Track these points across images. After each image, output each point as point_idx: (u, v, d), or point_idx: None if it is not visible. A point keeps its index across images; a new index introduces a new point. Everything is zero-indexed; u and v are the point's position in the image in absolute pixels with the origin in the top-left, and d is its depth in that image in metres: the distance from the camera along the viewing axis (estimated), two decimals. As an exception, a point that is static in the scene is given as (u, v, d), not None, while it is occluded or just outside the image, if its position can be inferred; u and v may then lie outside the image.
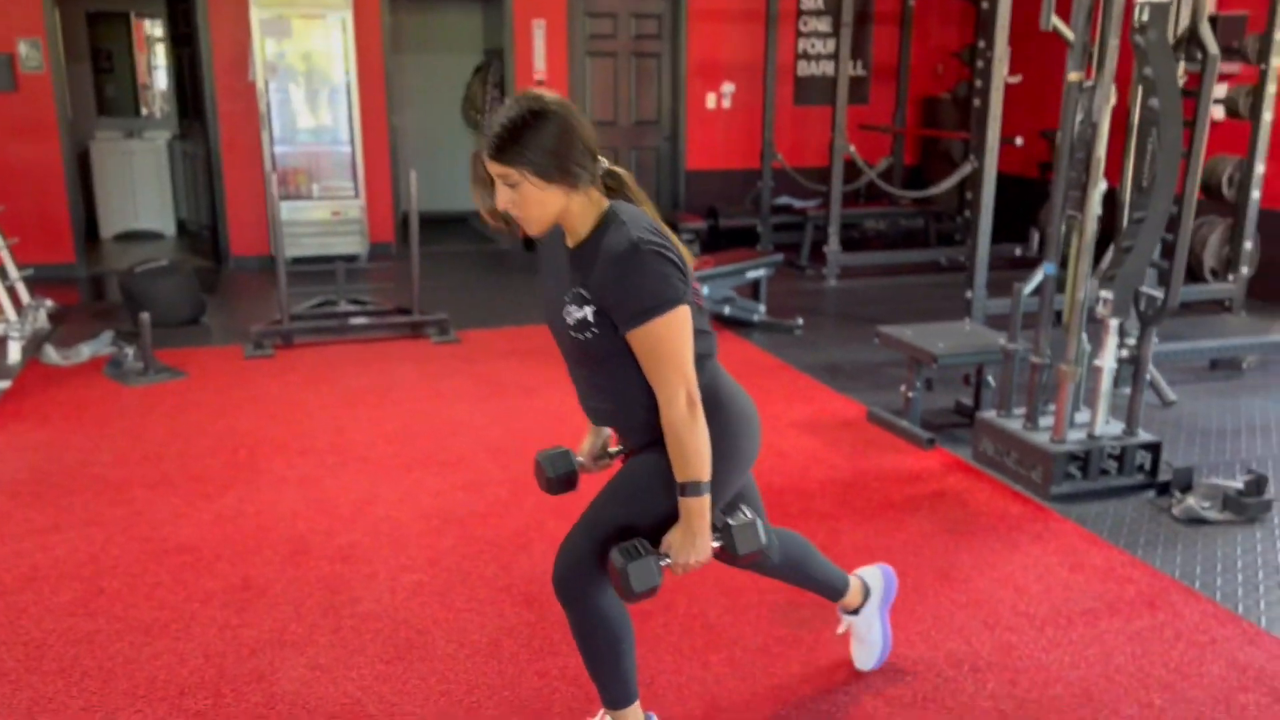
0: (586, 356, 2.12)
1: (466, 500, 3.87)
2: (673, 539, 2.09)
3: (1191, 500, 3.73)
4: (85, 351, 5.64)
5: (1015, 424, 4.11)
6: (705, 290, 6.11)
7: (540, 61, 9.09)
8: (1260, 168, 6.00)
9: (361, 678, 2.75)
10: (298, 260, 7.86)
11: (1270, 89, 5.86)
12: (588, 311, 2.04)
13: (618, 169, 2.11)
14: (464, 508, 3.81)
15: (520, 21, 8.95)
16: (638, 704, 2.37)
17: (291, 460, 4.26)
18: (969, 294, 6.03)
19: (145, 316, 5.29)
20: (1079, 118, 3.79)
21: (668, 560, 2.09)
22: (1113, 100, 3.79)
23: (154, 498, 3.88)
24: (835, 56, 9.36)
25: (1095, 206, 3.77)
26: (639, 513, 2.16)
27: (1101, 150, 3.71)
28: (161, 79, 10.54)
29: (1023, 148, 8.26)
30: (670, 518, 2.12)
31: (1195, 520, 3.69)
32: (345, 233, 8.10)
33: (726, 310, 6.26)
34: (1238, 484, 3.77)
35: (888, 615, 2.79)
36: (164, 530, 3.61)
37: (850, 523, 3.69)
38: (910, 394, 4.53)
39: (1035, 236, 8.12)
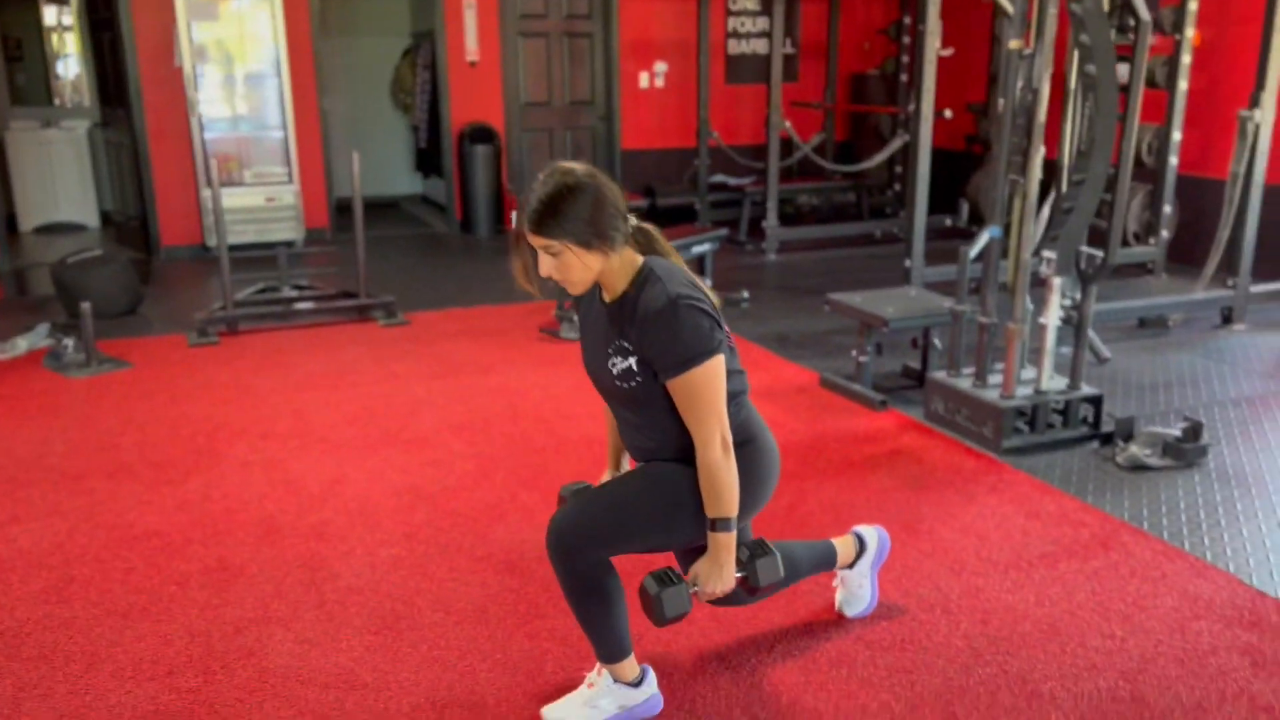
0: (631, 401, 2.28)
1: (435, 476, 3.89)
2: (701, 569, 2.27)
3: (1134, 448, 3.92)
4: (22, 345, 5.50)
5: (965, 383, 4.26)
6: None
7: (472, 42, 9.05)
8: (1177, 135, 6.26)
9: (351, 649, 2.77)
10: (234, 248, 7.70)
11: (1185, 59, 6.11)
12: (631, 362, 2.20)
13: (646, 225, 2.28)
14: (433, 484, 3.83)
15: (451, 2, 8.89)
16: (633, 657, 2.44)
17: (253, 444, 4.23)
18: (907, 263, 6.19)
19: (86, 306, 5.17)
20: (1020, 84, 3.92)
21: (696, 588, 2.26)
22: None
23: (114, 486, 3.83)
24: (766, 35, 9.53)
25: (1037, 171, 3.91)
26: (671, 533, 2.33)
27: (1042, 116, 3.85)
28: (74, 66, 10.24)
29: (948, 121, 8.45)
30: (689, 529, 2.29)
31: (1138, 467, 3.88)
32: (280, 219, 7.98)
33: (673, 285, 6.33)
34: (1176, 432, 3.96)
35: (877, 574, 2.91)
36: (129, 517, 3.57)
37: (815, 482, 3.80)
38: (862, 358, 4.66)
39: (965, 207, 8.34)
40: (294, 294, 6.19)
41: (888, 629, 2.83)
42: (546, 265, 2.18)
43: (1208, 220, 6.92)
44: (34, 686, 2.61)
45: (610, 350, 2.24)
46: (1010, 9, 4.32)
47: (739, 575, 2.31)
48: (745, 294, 6.48)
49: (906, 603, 2.97)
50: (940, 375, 4.38)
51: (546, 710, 2.44)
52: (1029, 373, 4.26)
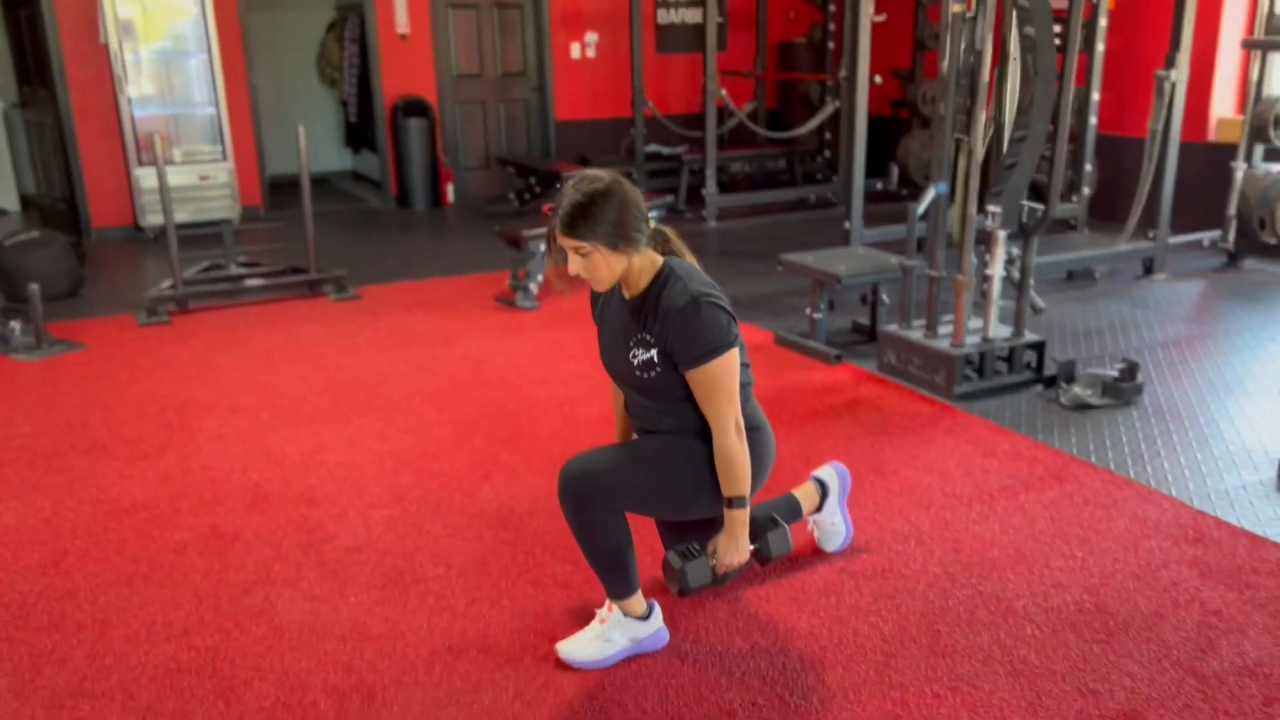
0: (650, 390, 2.45)
1: (413, 442, 3.97)
2: (719, 544, 2.48)
3: (1077, 389, 4.17)
4: (-35, 330, 5.39)
5: (917, 334, 4.47)
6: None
7: (402, 15, 9.00)
8: (1095, 95, 6.56)
9: (360, 603, 2.86)
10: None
11: (1102, 22, 6.39)
12: (653, 354, 2.37)
13: (664, 228, 2.46)
14: (413, 449, 3.91)
15: (379, -26, 8.82)
16: (639, 593, 2.58)
17: (224, 418, 4.25)
18: (847, 224, 6.40)
19: (35, 288, 5.10)
20: (962, 46, 4.11)
21: (714, 560, 2.46)
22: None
23: (91, 463, 3.83)
24: (694, 4, 9.65)
25: (981, 130, 4.11)
26: (678, 505, 2.52)
27: (985, 76, 4.05)
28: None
29: (876, 87, 8.68)
30: (706, 512, 2.51)
31: (1081, 406, 4.14)
32: (215, 197, 7.87)
33: (623, 252, 6.45)
34: (1113, 373, 4.23)
35: (846, 506, 3.09)
36: (113, 492, 3.59)
37: (783, 433, 3.96)
38: (815, 315, 4.85)
39: (894, 170, 8.61)
40: (243, 271, 6.15)
41: (868, 561, 3.02)
42: (575, 265, 2.34)
43: (1123, 177, 7.28)
44: (50, 653, 2.65)
45: (631, 343, 2.42)
46: (949, -25, 4.51)
47: (752, 548, 2.50)
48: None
49: (883, 536, 3.16)
50: (892, 328, 4.58)
51: (561, 646, 2.57)
52: (975, 323, 4.49)
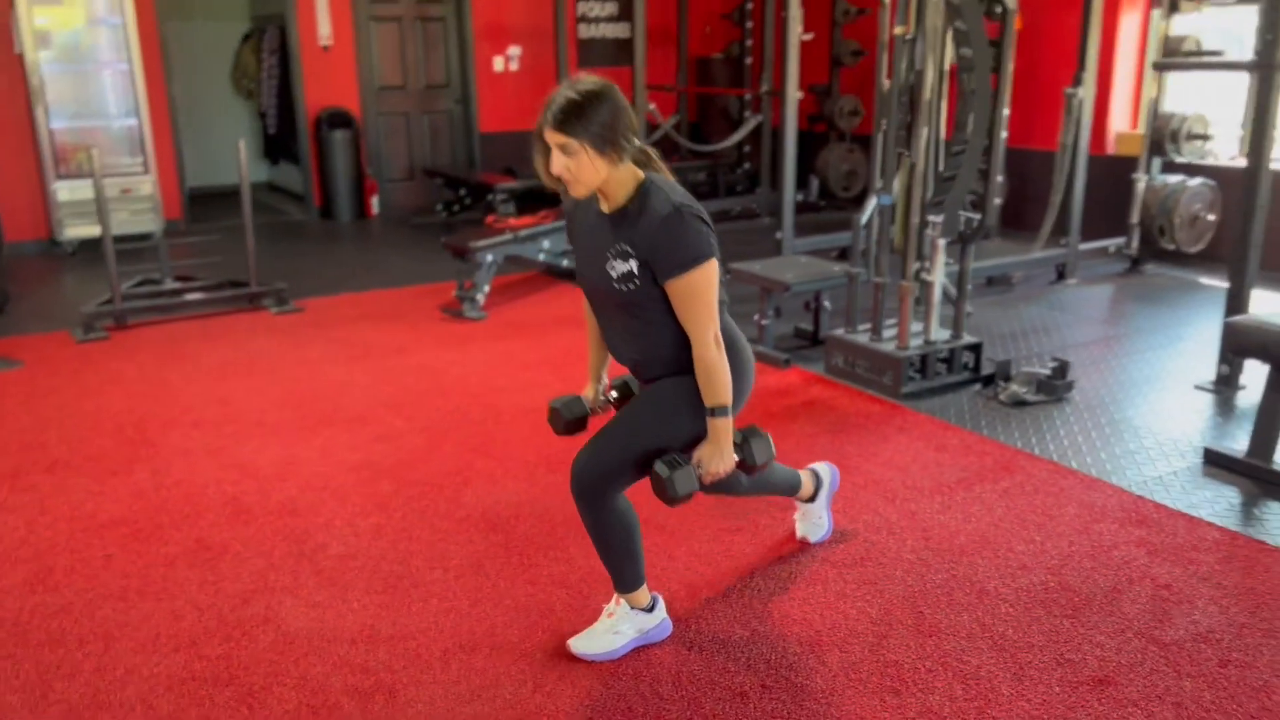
0: (626, 304, 2.44)
1: (387, 451, 4.02)
2: (703, 453, 2.49)
3: (1014, 387, 4.45)
4: (-108, 348, 5.21)
5: (863, 338, 4.70)
6: (546, 244, 6.39)
7: (325, 27, 8.96)
8: (1005, 111, 6.93)
9: (364, 608, 2.92)
10: (90, 241, 7.46)
11: (1011, 42, 6.77)
12: (632, 265, 2.37)
13: (647, 147, 2.46)
14: (388, 458, 3.96)
15: (301, -14, 8.76)
16: (645, 585, 2.71)
17: (187, 433, 4.23)
18: (779, 235, 6.63)
19: (-29, 304, 4.96)
20: (904, 66, 4.36)
21: (701, 470, 2.49)
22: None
23: (58, 480, 3.78)
24: (615, 19, 9.85)
25: (923, 145, 4.36)
26: (670, 435, 2.53)
27: (927, 94, 4.30)
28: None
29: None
30: (693, 437, 2.52)
31: (1019, 403, 4.41)
32: (138, 210, 7.72)
33: (565, 262, 6.57)
34: (1046, 371, 4.52)
35: (831, 503, 3.27)
36: (86, 508, 3.55)
37: (746, 433, 4.14)
38: (764, 321, 5.04)
39: (814, 183, 8.92)
40: (180, 286, 6.06)
41: (846, 550, 3.21)
42: (559, 163, 2.31)
43: (1030, 187, 7.70)
44: (56, 667, 2.65)
45: (610, 254, 2.39)
46: (886, -2, 4.77)
47: (737, 458, 2.54)
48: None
49: (856, 527, 3.35)
50: (839, 332, 4.81)
51: (573, 642, 2.68)
52: (915, 326, 4.74)
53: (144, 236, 7.76)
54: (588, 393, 2.84)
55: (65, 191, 7.58)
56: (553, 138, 2.30)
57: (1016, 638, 2.73)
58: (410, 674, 2.61)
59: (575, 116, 2.27)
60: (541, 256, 6.43)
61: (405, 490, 3.67)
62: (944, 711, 2.44)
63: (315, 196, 9.32)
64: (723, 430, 2.46)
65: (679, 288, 2.36)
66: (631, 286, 2.40)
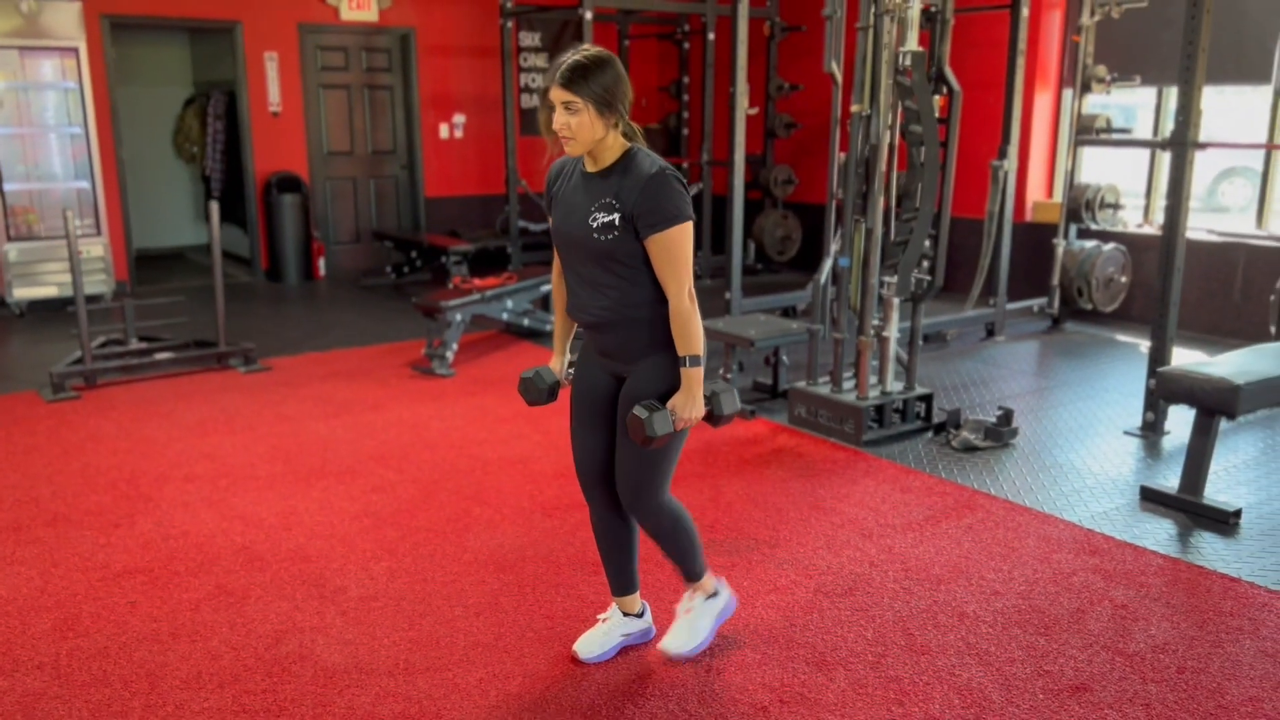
0: (601, 255, 2.58)
1: (384, 501, 4.18)
2: (677, 401, 2.63)
3: (965, 433, 4.82)
4: None
5: (824, 389, 5.03)
6: (510, 304, 6.63)
7: (275, 94, 9.13)
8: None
9: (395, 644, 3.08)
10: (40, 302, 7.45)
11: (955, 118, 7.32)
12: (615, 217, 2.54)
13: (635, 125, 2.66)
14: (386, 508, 4.12)
15: (252, 54, 8.95)
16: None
17: (181, 487, 4.32)
18: (728, 295, 6.98)
19: (-54, 364, 4.98)
20: (860, 140, 4.76)
21: (674, 416, 2.63)
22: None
23: (61, 534, 3.85)
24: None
25: (879, 212, 4.75)
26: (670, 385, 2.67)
27: (883, 165, 4.70)
28: None
29: (720, 169, 9.43)
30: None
31: (970, 448, 4.78)
32: (90, 271, 7.74)
33: (526, 322, 6.81)
34: (992, 419, 4.91)
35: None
36: (98, 559, 3.64)
37: (725, 478, 4.42)
38: (728, 375, 5.34)
39: (751, 247, 9.35)
40: (147, 345, 6.13)
41: (835, 581, 3.48)
42: (561, 119, 2.50)
43: (958, 252, 8.21)
44: (107, 706, 2.76)
45: (594, 208, 2.56)
46: (839, 78, 5.20)
47: (706, 408, 2.71)
48: (587, 328, 7.06)
49: (841, 562, 3.63)
50: (801, 384, 5.13)
51: (663, 644, 2.98)
52: (871, 378, 5.10)
53: (96, 298, 7.77)
54: (554, 364, 2.99)
55: (15, 253, 7.58)
56: (559, 94, 2.49)
57: (999, 653, 3.03)
58: (452, 701, 2.78)
59: (581, 76, 2.47)
60: (505, 316, 6.66)
61: (410, 536, 3.84)
62: (946, 719, 2.71)
63: (262, 259, 9.41)
64: (695, 378, 2.62)
65: (659, 242, 2.54)
66: (610, 237, 2.55)
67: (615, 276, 2.61)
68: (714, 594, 3.03)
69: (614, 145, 2.59)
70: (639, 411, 2.60)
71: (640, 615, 3.06)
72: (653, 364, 2.67)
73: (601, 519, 2.93)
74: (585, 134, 2.52)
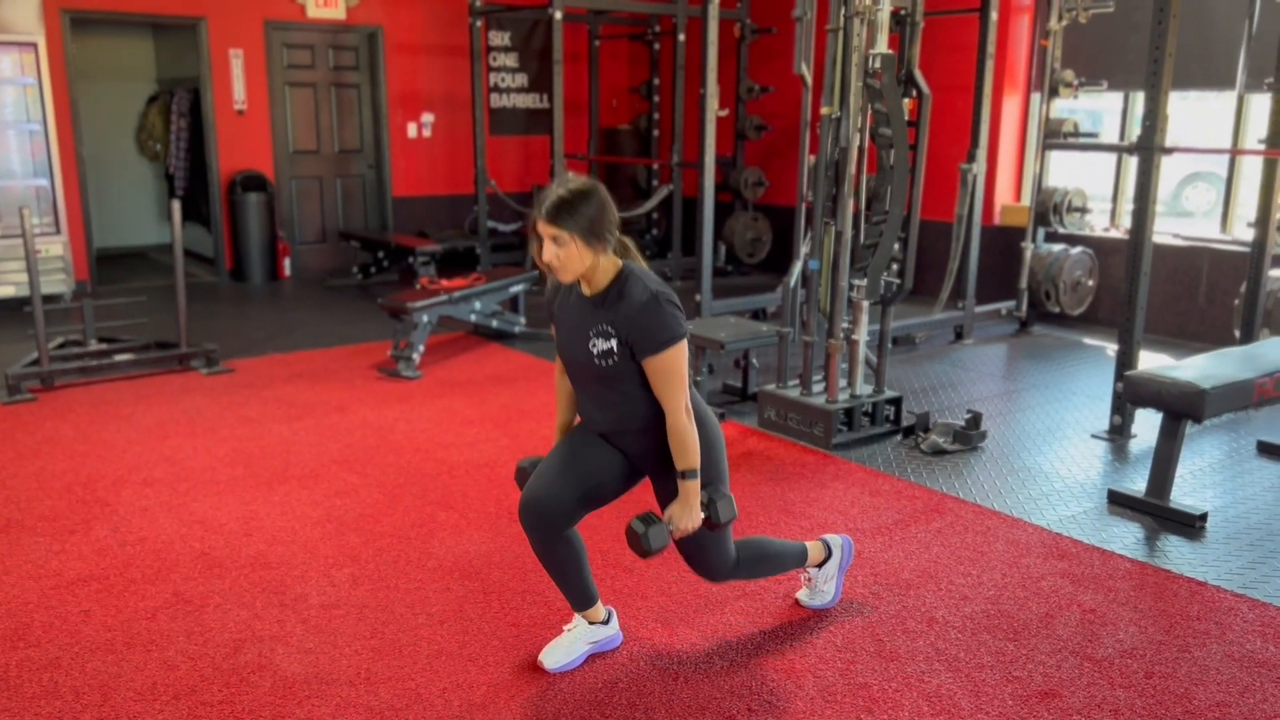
0: (604, 378, 2.70)
1: (347, 506, 4.11)
2: (674, 511, 2.73)
3: (934, 437, 4.81)
4: None
5: (793, 393, 5.01)
6: (478, 305, 6.57)
7: (240, 91, 9.01)
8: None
9: (357, 653, 3.02)
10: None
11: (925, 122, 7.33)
12: (612, 344, 2.64)
13: (624, 238, 2.72)
14: (350, 513, 4.05)
15: (217, 51, 8.83)
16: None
17: (139, 491, 4.23)
18: (698, 297, 6.95)
19: (-104, 365, 4.85)
20: (830, 143, 4.74)
21: (671, 526, 2.73)
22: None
23: (13, 540, 3.75)
24: (524, 90, 10.21)
25: (848, 214, 4.74)
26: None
27: (852, 168, 4.68)
28: None
29: (691, 171, 9.41)
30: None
31: (939, 451, 4.77)
32: (48, 271, 7.59)
33: (494, 323, 6.74)
34: (961, 423, 4.91)
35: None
36: (51, 566, 3.55)
37: (694, 482, 4.38)
38: (698, 378, 5.31)
39: (722, 249, 9.33)
40: (107, 347, 6.01)
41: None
42: (549, 251, 2.57)
43: (927, 255, 8.23)
44: (57, 718, 2.67)
45: (592, 334, 2.65)
46: (809, 80, 5.19)
47: (704, 515, 2.77)
48: (556, 330, 7.01)
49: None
50: (770, 387, 5.11)
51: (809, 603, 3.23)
52: (840, 381, 5.08)
53: (55, 298, 7.63)
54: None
55: (-30, 252, 7.42)
56: (545, 229, 2.57)
57: (968, 659, 3.01)
58: (415, 711, 2.73)
59: (566, 211, 2.54)
60: (473, 317, 6.59)
61: (374, 542, 3.77)
62: (915, 725, 2.69)
63: (227, 258, 9.28)
64: (692, 491, 2.71)
65: (655, 365, 2.62)
66: (611, 362, 2.66)
67: (619, 394, 2.71)
68: (826, 558, 3.25)
69: (607, 268, 2.65)
70: (636, 526, 2.69)
71: (606, 622, 3.03)
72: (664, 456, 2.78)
73: (544, 550, 2.85)
74: (574, 265, 2.59)
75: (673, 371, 2.63)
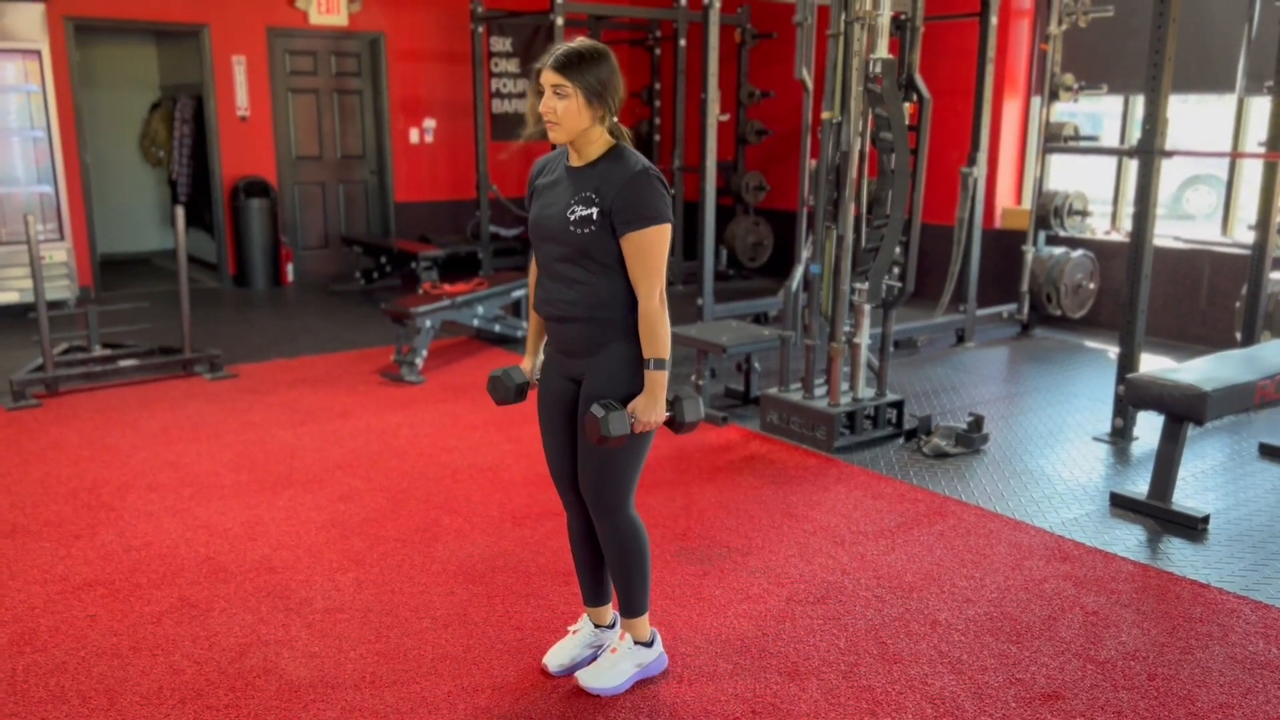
0: (575, 251, 2.56)
1: (351, 510, 4.12)
2: (638, 404, 2.60)
3: (936, 440, 4.82)
4: None
5: (796, 396, 5.02)
6: (480, 310, 6.58)
7: (243, 97, 9.04)
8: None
9: (361, 657, 3.03)
10: (1, 309, 7.31)
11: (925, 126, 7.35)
12: (593, 211, 2.52)
13: (621, 126, 2.64)
14: (354, 517, 4.06)
15: (220, 58, 8.85)
16: (647, 616, 2.92)
17: (144, 496, 4.25)
18: (700, 301, 6.97)
19: (-98, 371, 4.87)
20: (831, 146, 4.76)
21: (634, 419, 2.60)
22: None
23: (19, 545, 3.77)
24: (526, 95, 10.16)
25: (850, 218, 4.75)
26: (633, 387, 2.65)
27: (853, 173, 4.70)
28: None
29: (692, 176, 9.43)
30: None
31: (941, 455, 4.78)
32: (53, 277, 7.61)
33: (497, 328, 6.76)
34: (963, 426, 4.92)
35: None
36: (57, 571, 3.56)
37: (698, 486, 4.39)
38: (701, 381, 5.32)
39: (723, 253, 9.35)
40: (110, 352, 6.02)
41: (807, 589, 3.46)
42: (548, 104, 2.49)
43: (928, 259, 8.25)
44: (64, 723, 2.69)
45: (574, 200, 2.54)
46: (810, 85, 5.20)
47: (668, 414, 2.68)
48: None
49: (814, 570, 3.61)
50: (773, 391, 5.12)
51: (581, 674, 2.86)
52: (843, 384, 5.09)
53: (59, 304, 7.65)
54: (525, 364, 2.93)
55: (-26, 258, 7.44)
56: (549, 77, 2.49)
57: (971, 661, 3.02)
58: (420, 714, 2.74)
59: (576, 63, 2.48)
60: (475, 322, 6.61)
61: (378, 547, 3.79)
62: (918, 727, 2.70)
63: (230, 264, 9.30)
64: (658, 381, 2.59)
65: (636, 241, 2.51)
66: (586, 231, 2.53)
67: (586, 272, 2.58)
68: (648, 644, 2.91)
69: (599, 140, 2.57)
70: (595, 410, 2.55)
71: (611, 627, 3.02)
72: (612, 361, 2.63)
73: (577, 527, 2.89)
74: (571, 121, 2.50)
75: (651, 252, 2.52)
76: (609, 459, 2.67)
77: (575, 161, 2.61)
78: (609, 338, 2.62)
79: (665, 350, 2.59)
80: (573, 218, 2.54)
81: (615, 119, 2.60)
